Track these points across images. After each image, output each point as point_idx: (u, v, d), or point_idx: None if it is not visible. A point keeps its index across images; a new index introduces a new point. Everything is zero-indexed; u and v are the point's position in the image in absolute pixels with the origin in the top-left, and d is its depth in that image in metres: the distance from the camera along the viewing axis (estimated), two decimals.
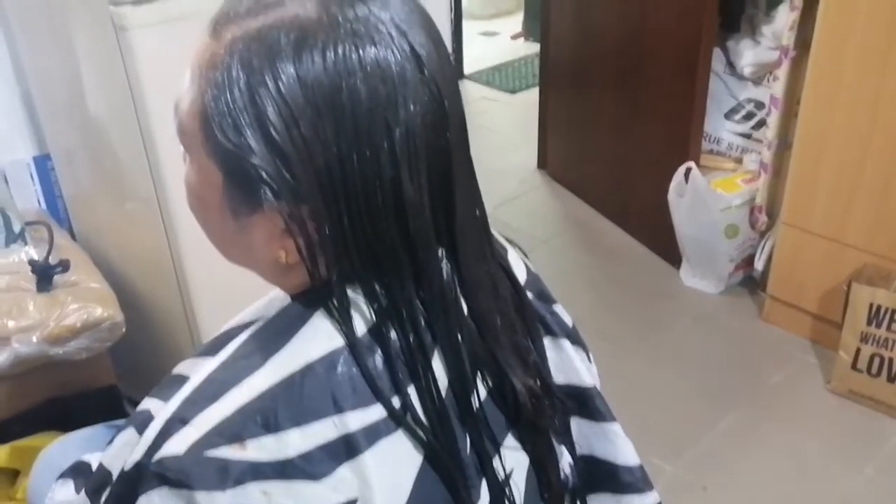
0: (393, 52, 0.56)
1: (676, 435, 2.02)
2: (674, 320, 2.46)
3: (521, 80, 4.20)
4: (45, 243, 1.72)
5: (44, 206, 1.95)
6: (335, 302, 0.60)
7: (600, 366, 2.33)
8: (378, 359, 0.60)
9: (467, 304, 0.65)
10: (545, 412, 0.69)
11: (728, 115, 2.50)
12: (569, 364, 0.75)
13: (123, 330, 1.62)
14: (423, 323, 0.61)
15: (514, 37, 4.85)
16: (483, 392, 0.66)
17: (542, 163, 3.31)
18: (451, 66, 0.63)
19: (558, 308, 0.78)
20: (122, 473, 0.61)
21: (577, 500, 0.77)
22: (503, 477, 0.66)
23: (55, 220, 1.92)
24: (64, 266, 1.64)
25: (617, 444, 0.77)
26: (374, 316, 0.60)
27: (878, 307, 1.98)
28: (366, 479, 0.58)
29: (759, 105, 2.44)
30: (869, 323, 2.00)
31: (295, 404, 0.58)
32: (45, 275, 1.61)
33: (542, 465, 0.70)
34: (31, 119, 1.90)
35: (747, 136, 2.49)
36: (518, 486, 0.68)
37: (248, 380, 0.59)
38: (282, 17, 0.56)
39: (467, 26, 4.79)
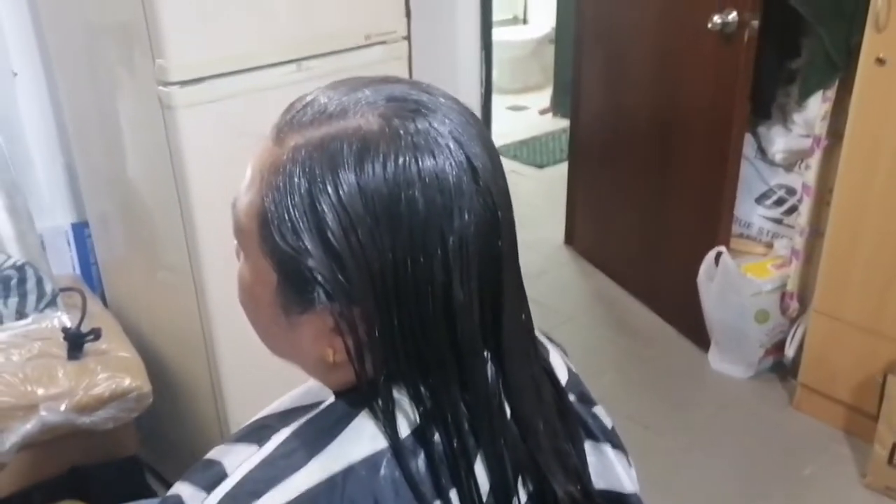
0: (451, 163, 0.57)
1: None
2: (702, 404, 2.42)
3: (549, 154, 4.24)
4: (77, 309, 1.74)
5: (78, 271, 1.98)
6: (380, 403, 0.59)
7: (629, 448, 2.29)
8: (421, 462, 0.59)
9: (511, 407, 0.64)
10: None
11: (759, 200, 2.50)
12: (610, 469, 0.73)
13: (150, 400, 1.62)
14: (466, 426, 0.61)
15: (543, 111, 4.93)
16: (524, 497, 0.65)
17: (570, 239, 3.32)
18: (504, 176, 0.63)
19: (599, 410, 0.77)
20: None
21: None
22: None
23: (88, 286, 1.94)
24: (96, 334, 1.65)
25: None
26: (418, 418, 0.60)
27: None
28: None
29: (791, 191, 2.44)
30: None
31: None
32: (76, 343, 1.62)
33: None
34: (72, 187, 1.94)
35: (778, 222, 2.49)
36: None
37: (289, 479, 0.59)
38: (345, 127, 0.57)
39: (495, 100, 4.85)
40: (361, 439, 0.60)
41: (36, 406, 1.52)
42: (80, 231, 1.96)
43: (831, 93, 2.12)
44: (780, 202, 2.48)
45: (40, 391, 1.53)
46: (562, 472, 0.66)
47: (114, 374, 1.59)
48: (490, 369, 0.63)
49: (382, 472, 0.59)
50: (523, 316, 0.66)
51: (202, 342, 1.64)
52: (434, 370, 0.59)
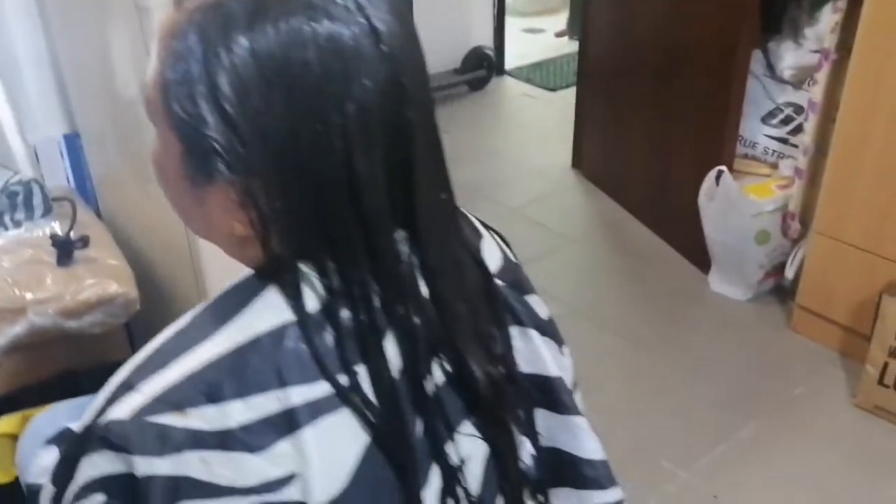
0: (350, 26, 0.55)
1: (692, 441, 1.98)
2: (699, 325, 2.42)
3: (563, 77, 4.16)
4: (70, 219, 1.75)
5: (72, 183, 1.99)
6: (286, 277, 0.59)
7: (621, 365, 2.32)
8: (329, 336, 0.60)
9: (429, 288, 0.63)
10: (506, 401, 0.68)
11: (765, 119, 2.44)
12: (536, 354, 0.73)
13: (137, 307, 1.64)
14: (377, 304, 0.60)
15: (558, 34, 4.82)
16: (441, 377, 0.65)
17: (577, 162, 3.28)
18: (418, 44, 0.61)
19: (532, 299, 0.77)
20: (74, 435, 0.62)
21: (539, 492, 0.75)
22: (457, 463, 0.65)
23: (83, 198, 1.96)
24: (84, 242, 1.67)
25: (580, 437, 0.75)
26: (326, 293, 0.60)
27: None
28: (304, 455, 0.57)
29: (798, 109, 2.38)
30: None
31: (239, 376, 0.58)
32: (65, 249, 1.64)
33: (501, 455, 0.68)
34: (63, 98, 1.93)
35: (784, 142, 2.43)
36: (474, 473, 0.67)
37: (196, 349, 0.59)
38: None
39: (511, 22, 4.76)
40: (269, 312, 0.60)
41: (24, 309, 1.55)
42: (73, 142, 1.96)
43: (842, 2, 2.04)
44: (786, 121, 2.42)
45: (28, 295, 1.56)
46: (482, 353, 0.66)
47: (101, 280, 1.61)
48: (406, 248, 0.62)
49: (287, 343, 0.59)
50: (443, 196, 0.65)
51: (188, 252, 1.65)
52: (340, 245, 0.59)
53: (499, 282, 0.72)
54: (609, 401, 2.12)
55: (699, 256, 2.57)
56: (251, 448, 0.57)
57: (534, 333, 0.73)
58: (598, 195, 3.11)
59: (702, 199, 2.37)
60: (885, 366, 1.96)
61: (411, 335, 0.62)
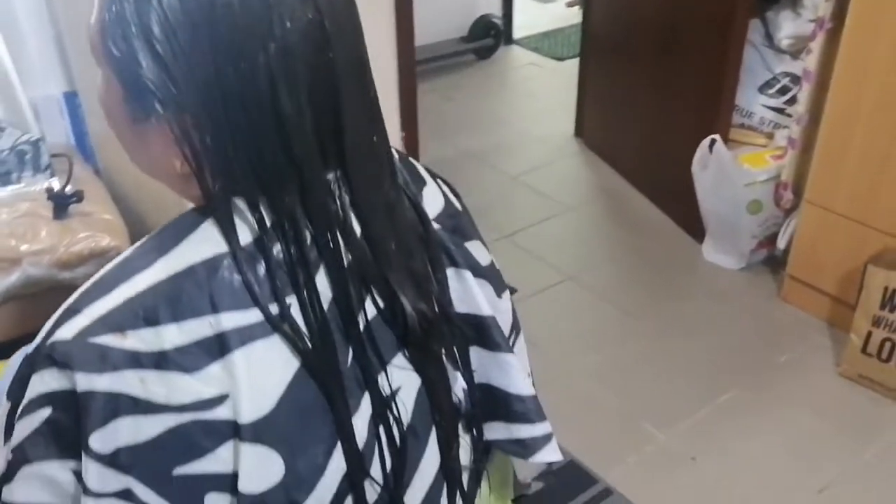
0: None
1: (674, 404, 2.02)
2: (690, 293, 2.44)
3: (570, 47, 4.15)
4: (67, 175, 1.80)
5: (72, 141, 2.04)
6: (220, 211, 0.63)
7: (611, 331, 2.34)
8: (261, 268, 0.63)
9: (360, 226, 0.67)
10: (436, 336, 0.71)
11: (762, 89, 2.44)
12: (469, 294, 0.76)
13: None
14: (308, 239, 0.64)
15: (570, 4, 4.79)
16: (373, 311, 0.68)
17: (579, 131, 3.29)
18: None
19: (473, 245, 0.80)
20: (26, 356, 0.66)
21: (472, 425, 0.79)
22: (388, 393, 0.69)
23: (83, 156, 2.01)
24: (78, 196, 1.72)
25: (510, 374, 0.78)
26: (258, 227, 0.63)
27: (893, 291, 1.92)
28: (234, 377, 0.61)
29: (796, 79, 2.37)
30: (882, 307, 1.95)
31: (175, 302, 0.62)
32: (60, 203, 1.69)
33: (432, 387, 0.72)
34: (62, 57, 1.97)
35: (780, 111, 2.43)
36: (405, 403, 0.70)
37: (136, 277, 0.63)
38: None
39: None
40: (205, 244, 0.64)
41: (19, 260, 1.60)
42: (73, 100, 2.01)
43: None
44: (783, 91, 2.41)
45: (24, 247, 1.61)
46: (413, 290, 0.70)
47: (94, 234, 1.66)
48: (337, 187, 0.66)
49: (221, 273, 0.63)
50: (375, 138, 0.68)
51: (178, 210, 1.69)
52: (271, 181, 0.62)
53: (437, 226, 0.75)
54: (597, 365, 2.16)
55: (694, 226, 2.58)
56: (185, 369, 0.61)
57: (468, 275, 0.76)
58: (598, 164, 3.13)
59: (695, 167, 2.38)
60: (869, 335, 1.98)
61: (340, 269, 0.65)
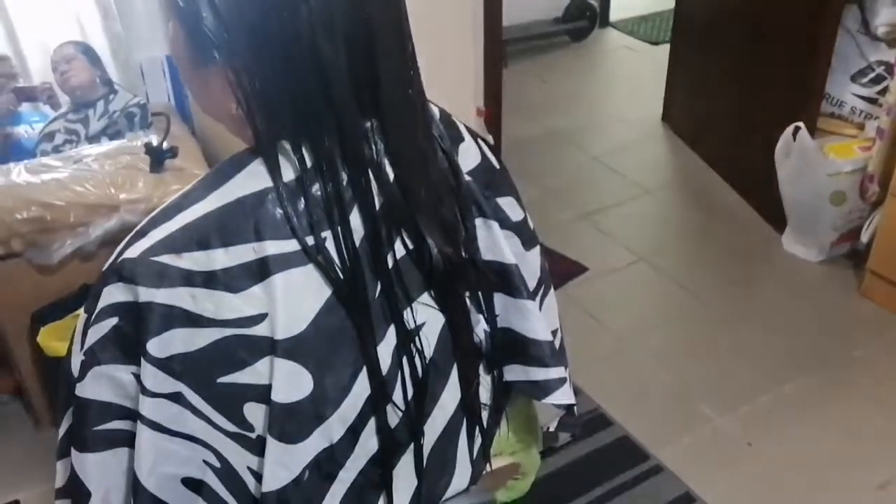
0: None
1: (734, 389, 2.01)
2: (764, 282, 2.41)
3: (666, 31, 4.08)
4: (164, 132, 1.94)
5: (172, 101, 2.18)
6: (267, 150, 0.70)
7: (679, 314, 2.36)
8: (302, 203, 0.71)
9: (393, 171, 0.73)
10: (461, 279, 0.77)
11: (855, 78, 2.37)
12: (495, 243, 0.81)
13: None
14: (344, 180, 0.71)
15: None
16: (402, 250, 0.75)
17: (667, 115, 3.26)
18: None
19: (505, 200, 0.84)
20: (101, 273, 0.76)
21: (493, 367, 0.84)
22: (412, 326, 0.75)
23: (181, 116, 2.15)
24: (173, 152, 1.85)
25: (530, 319, 0.83)
26: (299, 166, 0.70)
27: None
28: (273, 298, 0.69)
29: (891, 68, 2.30)
30: None
31: (224, 229, 0.70)
32: (156, 158, 1.83)
33: (455, 326, 0.78)
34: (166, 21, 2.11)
35: (873, 101, 2.36)
36: (428, 339, 0.76)
37: (193, 206, 0.72)
38: None
39: None
40: (252, 180, 0.71)
41: (118, 207, 1.75)
42: (175, 63, 2.15)
43: None
44: (877, 80, 2.34)
45: (122, 195, 1.76)
46: (440, 234, 0.75)
47: (184, 187, 1.79)
48: (374, 134, 0.72)
49: (267, 206, 0.70)
50: (410, 91, 0.74)
51: None
52: (312, 125, 0.69)
53: (469, 178, 0.81)
54: (660, 345, 2.17)
55: (775, 215, 2.54)
56: (231, 288, 0.69)
57: (495, 226, 0.81)
58: (682, 148, 3.10)
59: (778, 154, 2.34)
60: None
61: (370, 210, 0.72)
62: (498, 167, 0.87)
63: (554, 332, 0.91)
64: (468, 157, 0.83)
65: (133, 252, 0.71)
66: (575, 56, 4.04)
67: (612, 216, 2.73)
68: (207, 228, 0.70)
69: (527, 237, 0.87)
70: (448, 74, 1.95)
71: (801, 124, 2.25)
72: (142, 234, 0.73)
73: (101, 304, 0.73)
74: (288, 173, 0.71)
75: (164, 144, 1.88)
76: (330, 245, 0.71)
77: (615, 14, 4.29)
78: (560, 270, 2.41)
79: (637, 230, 2.67)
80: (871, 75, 2.35)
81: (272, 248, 0.70)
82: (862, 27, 2.34)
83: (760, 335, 2.19)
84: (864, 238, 2.30)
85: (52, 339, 1.68)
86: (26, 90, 2.14)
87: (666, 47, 3.90)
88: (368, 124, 0.72)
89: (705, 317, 2.27)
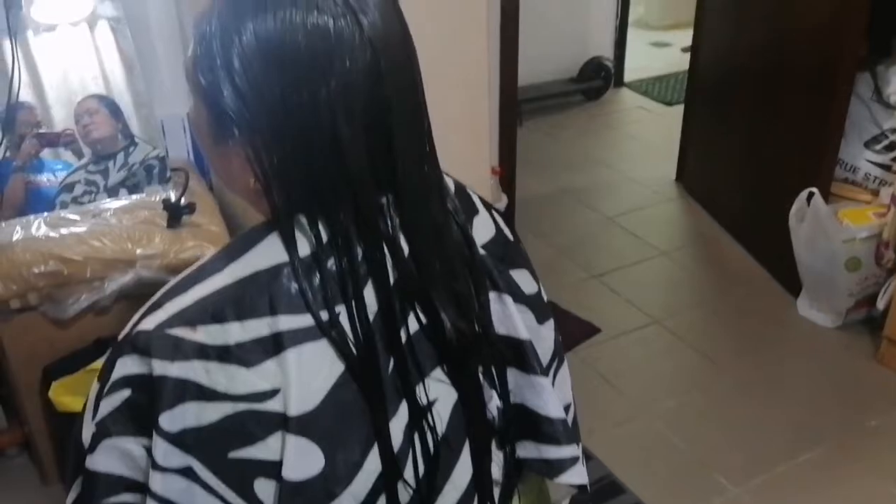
0: (335, 18, 0.67)
1: (750, 458, 1.98)
2: (780, 347, 2.39)
3: (681, 92, 4.12)
4: (182, 187, 1.96)
5: (191, 157, 2.21)
6: (284, 224, 0.71)
7: (694, 379, 2.33)
8: (316, 278, 0.71)
9: (408, 246, 0.74)
10: (474, 354, 0.77)
11: (868, 144, 2.38)
12: (509, 318, 0.81)
13: None
14: (359, 254, 0.71)
15: (685, 49, 4.74)
16: (416, 325, 0.75)
17: (680, 176, 3.28)
18: (401, 34, 0.72)
19: (519, 273, 0.85)
20: (113, 344, 0.76)
21: (506, 443, 0.84)
22: (424, 403, 0.75)
23: (199, 171, 2.18)
24: (191, 208, 1.87)
25: (543, 396, 0.83)
26: (315, 241, 0.71)
27: None
28: (286, 373, 0.69)
29: None
30: None
31: (239, 303, 0.70)
32: (174, 213, 1.85)
33: (467, 402, 0.78)
34: None
35: (887, 168, 2.36)
36: (441, 415, 0.76)
37: (209, 279, 0.72)
38: None
39: (640, 35, 4.78)
40: (268, 254, 0.72)
41: (134, 262, 1.76)
42: None
43: None
44: (891, 147, 2.35)
45: (139, 250, 1.77)
46: (454, 309, 0.76)
47: (201, 244, 1.81)
48: (389, 209, 0.73)
49: (281, 280, 0.71)
50: (425, 167, 0.75)
51: None
52: (328, 201, 0.70)
53: (483, 252, 0.81)
54: (675, 411, 2.14)
55: (790, 279, 2.53)
56: (244, 363, 0.69)
57: (508, 300, 0.82)
58: (696, 210, 3.10)
59: (792, 219, 2.34)
60: None
61: (385, 285, 0.72)
62: (511, 239, 0.88)
63: (567, 407, 0.90)
64: (482, 229, 0.84)
65: (148, 324, 0.72)
66: (589, 115, 4.08)
67: (625, 277, 2.73)
68: (223, 302, 0.71)
69: (540, 311, 0.87)
70: (464, 135, 1.97)
71: (815, 190, 2.25)
72: (157, 305, 0.73)
73: (115, 375, 0.73)
74: (304, 248, 0.71)
75: (182, 200, 1.90)
76: (344, 320, 0.71)
77: (629, 75, 4.34)
78: (573, 331, 2.40)
79: (651, 292, 2.66)
80: (885, 142, 2.36)
81: (286, 322, 0.70)
82: (875, 95, 2.36)
83: (776, 403, 2.16)
84: (881, 305, 2.28)
85: (63, 395, 1.68)
86: (49, 136, 2.16)
87: (680, 108, 3.95)
88: (384, 199, 0.73)
89: (720, 382, 2.25)
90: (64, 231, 1.81)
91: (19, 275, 1.68)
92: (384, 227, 0.72)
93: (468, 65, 1.90)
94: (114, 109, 2.22)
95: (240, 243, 0.74)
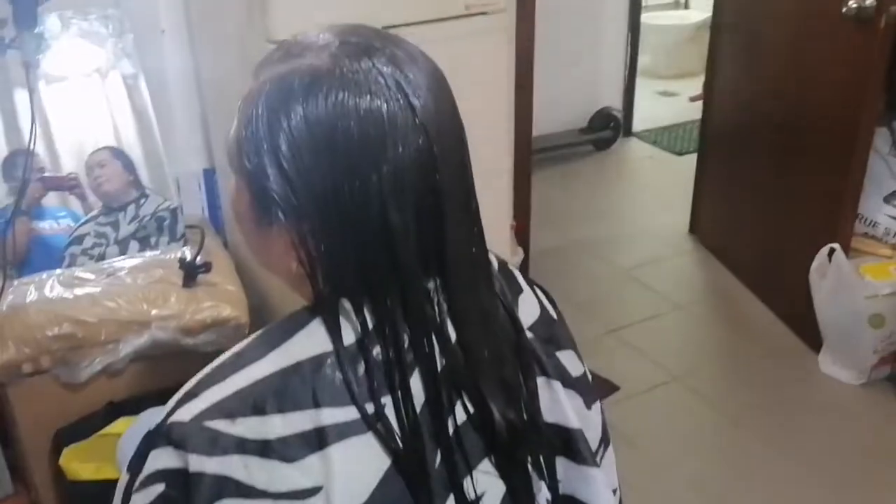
0: (388, 101, 0.64)
1: None
2: (803, 406, 2.34)
3: (689, 142, 4.14)
4: (198, 246, 1.94)
5: (206, 213, 2.19)
6: (328, 311, 0.68)
7: (714, 440, 2.28)
8: (361, 368, 0.68)
9: (456, 332, 0.70)
10: (523, 445, 0.73)
11: (888, 199, 2.36)
12: (558, 405, 0.78)
13: (247, 332, 1.79)
14: (405, 343, 0.68)
15: (693, 99, 4.78)
16: (463, 416, 0.71)
17: (694, 228, 3.25)
18: (453, 118, 0.69)
19: (565, 355, 0.82)
20: (147, 432, 0.72)
21: None
22: (472, 497, 0.71)
23: (214, 228, 2.16)
24: (207, 267, 1.84)
25: (594, 488, 0.79)
26: (360, 329, 0.68)
27: None
28: (330, 470, 0.65)
29: None
30: None
31: (281, 394, 0.67)
32: (190, 272, 1.82)
33: (516, 495, 0.74)
34: (206, 135, 2.15)
35: None
36: None
37: (249, 368, 0.69)
38: (301, 65, 0.67)
39: (648, 84, 4.80)
40: (311, 342, 0.69)
41: (149, 323, 1.73)
42: (210, 177, 2.17)
43: None
44: None
45: (154, 311, 1.74)
46: (503, 398, 0.72)
47: (217, 304, 1.77)
48: (436, 295, 0.70)
49: (324, 370, 0.67)
50: (474, 250, 0.72)
51: None
52: (376, 288, 0.67)
53: (530, 335, 0.78)
54: (696, 473, 2.09)
55: (810, 334, 2.49)
56: (285, 458, 0.66)
57: (558, 386, 0.78)
58: (711, 262, 3.07)
59: (813, 275, 2.31)
60: None
61: (433, 375, 0.69)
62: (556, 318, 0.85)
63: (614, 491, 0.86)
64: (528, 309, 0.81)
65: (184, 415, 0.68)
66: (599, 166, 4.07)
67: (642, 332, 2.69)
68: (264, 393, 0.67)
69: (588, 394, 0.83)
70: (486, 193, 1.96)
71: (836, 246, 2.22)
72: (193, 395, 0.70)
73: (148, 468, 0.69)
74: (348, 336, 0.68)
75: (198, 259, 1.87)
76: (389, 412, 0.68)
77: (638, 125, 4.35)
78: None
79: (669, 347, 2.61)
80: None
81: (330, 416, 0.66)
82: (893, 149, 2.35)
83: (800, 464, 2.10)
84: None
85: (74, 461, 1.63)
86: (53, 179, 2.13)
87: (689, 158, 3.96)
88: (431, 284, 0.70)
89: (742, 443, 2.20)
90: (78, 291, 1.78)
91: (33, 338, 1.65)
92: (431, 313, 0.69)
93: (491, 122, 1.89)
94: (125, 161, 2.20)
95: (281, 329, 0.71)
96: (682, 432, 2.26)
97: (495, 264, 0.80)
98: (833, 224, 2.32)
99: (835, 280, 2.24)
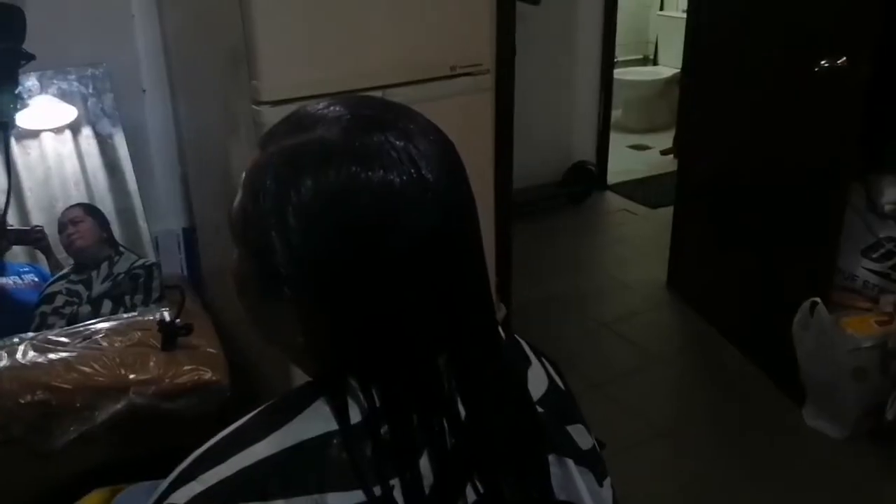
0: (400, 175, 0.63)
1: None
2: (788, 461, 2.32)
3: (664, 195, 4.16)
4: (178, 307, 1.89)
5: (185, 273, 2.16)
6: (334, 389, 0.65)
7: (699, 496, 2.21)
8: (368, 448, 0.65)
9: (465, 410, 0.68)
10: None
11: (865, 253, 2.39)
12: (570, 482, 0.75)
13: (228, 394, 1.74)
14: (414, 422, 0.65)
15: (664, 152, 4.86)
16: (472, 495, 0.68)
17: (672, 280, 3.27)
18: (464, 191, 0.68)
19: (576, 429, 0.79)
20: None
21: None
22: None
23: (193, 288, 2.11)
24: (187, 329, 1.80)
25: None
26: (368, 408, 0.65)
27: None
28: None
29: None
30: None
31: (285, 476, 0.63)
32: (169, 335, 1.77)
33: None
34: (186, 195, 2.12)
35: (886, 276, 2.36)
36: None
37: (250, 448, 0.66)
38: (310, 138, 0.65)
39: (619, 139, 4.87)
40: (316, 420, 0.66)
41: (127, 389, 1.67)
42: (189, 236, 2.14)
43: None
44: (888, 255, 2.36)
45: (132, 376, 1.69)
46: (514, 477, 0.70)
47: (198, 367, 1.73)
48: (446, 372, 0.68)
49: (329, 451, 0.64)
50: (484, 324, 0.70)
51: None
52: (384, 366, 0.65)
53: (540, 409, 0.76)
54: None
55: (793, 387, 2.48)
56: None
57: (570, 463, 0.76)
58: (691, 315, 3.08)
59: (796, 329, 2.32)
60: None
61: (443, 456, 0.66)
62: (564, 389, 0.83)
63: None
64: (537, 383, 0.79)
65: (180, 497, 0.65)
66: (575, 219, 4.09)
67: (624, 386, 2.66)
68: (266, 475, 0.64)
69: (598, 469, 0.81)
70: None
71: (818, 300, 2.24)
72: (189, 476, 0.66)
73: None
74: (354, 414, 0.65)
75: (178, 321, 1.83)
76: (397, 494, 0.65)
77: (613, 178, 4.40)
78: None
79: (652, 403, 2.59)
80: (882, 251, 2.37)
81: (335, 500, 0.63)
82: (868, 204, 2.39)
83: None
84: (890, 415, 2.23)
85: None
86: (18, 232, 2.06)
87: (665, 210, 3.99)
88: (440, 360, 0.68)
89: (728, 499, 2.17)
90: (52, 356, 1.73)
91: (4, 406, 1.59)
92: (441, 393, 0.67)
93: (475, 178, 1.89)
94: (100, 219, 2.16)
95: (283, 407, 0.68)
96: (670, 489, 2.23)
97: (503, 336, 0.78)
98: (812, 277, 2.34)
99: (817, 334, 2.25)
